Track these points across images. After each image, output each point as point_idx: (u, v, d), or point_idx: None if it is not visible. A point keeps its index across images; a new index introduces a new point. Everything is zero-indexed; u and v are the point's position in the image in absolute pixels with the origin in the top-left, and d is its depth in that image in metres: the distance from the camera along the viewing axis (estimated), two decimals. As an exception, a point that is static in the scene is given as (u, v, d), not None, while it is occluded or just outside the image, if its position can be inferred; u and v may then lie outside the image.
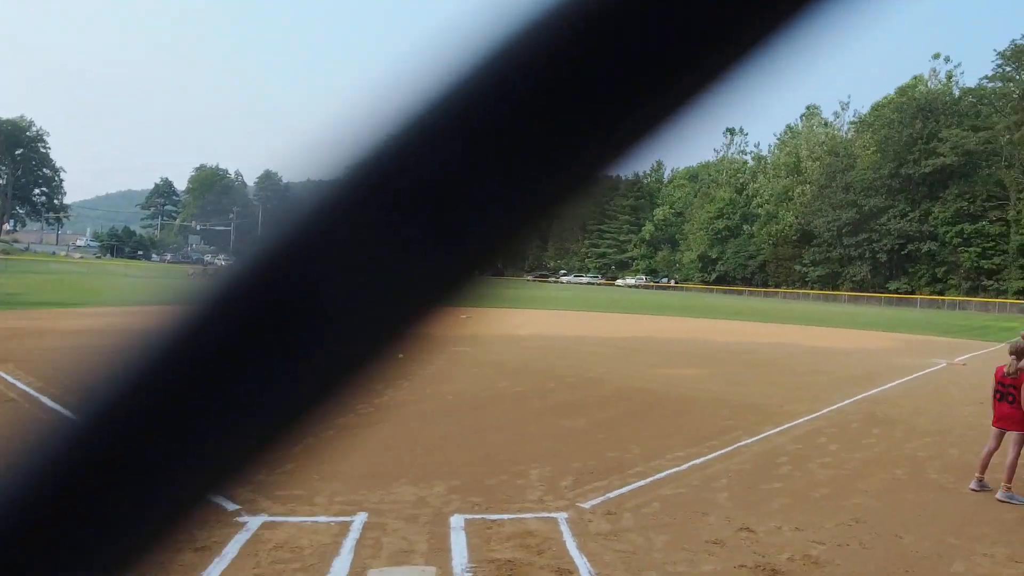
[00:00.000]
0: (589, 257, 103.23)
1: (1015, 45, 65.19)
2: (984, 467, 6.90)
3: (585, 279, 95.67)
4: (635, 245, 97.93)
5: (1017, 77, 66.67)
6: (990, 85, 69.56)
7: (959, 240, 65.70)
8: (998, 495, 6.73)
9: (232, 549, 4.72)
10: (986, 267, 64.79)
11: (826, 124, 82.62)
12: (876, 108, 75.49)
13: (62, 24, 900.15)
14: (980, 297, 62.38)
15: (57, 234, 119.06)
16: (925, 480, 7.32)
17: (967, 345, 24.88)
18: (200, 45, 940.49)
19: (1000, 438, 6.91)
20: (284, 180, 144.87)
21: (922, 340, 26.57)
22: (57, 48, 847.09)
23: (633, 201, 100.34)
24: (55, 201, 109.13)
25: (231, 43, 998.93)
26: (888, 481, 7.23)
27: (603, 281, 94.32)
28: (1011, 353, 7.00)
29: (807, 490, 6.77)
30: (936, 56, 74.51)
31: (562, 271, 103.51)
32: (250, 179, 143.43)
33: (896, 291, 68.93)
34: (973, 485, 6.84)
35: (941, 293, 66.45)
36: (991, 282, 64.64)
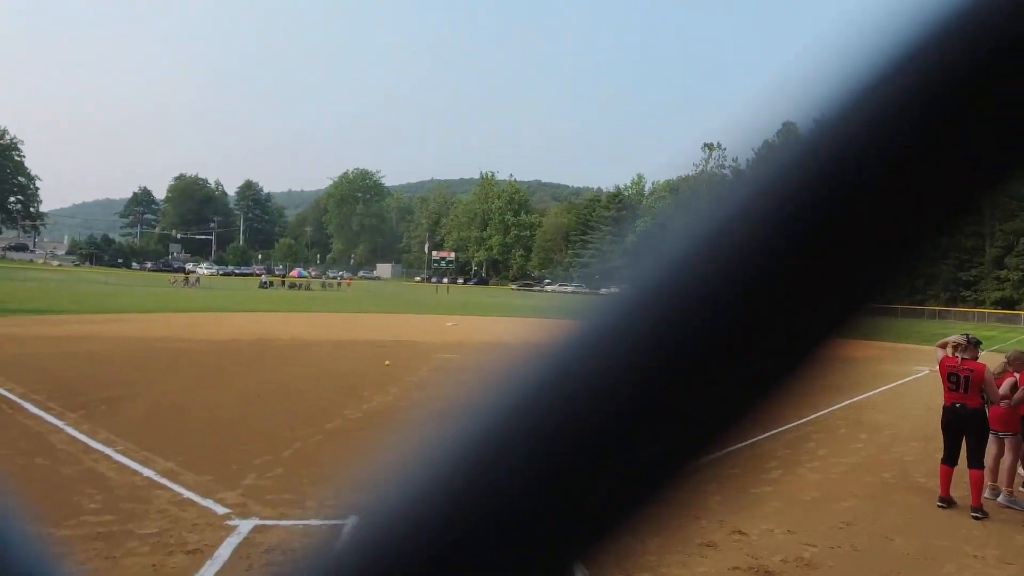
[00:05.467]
0: (573, 266, 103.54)
1: None
2: (995, 474, 6.94)
3: (570, 288, 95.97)
4: (619, 255, 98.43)
5: None
6: None
7: (939, 253, 67.24)
8: (999, 499, 6.80)
9: (224, 552, 4.67)
10: (964, 278, 66.02)
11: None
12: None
13: (46, 31, 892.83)
14: (959, 307, 63.38)
15: (34, 241, 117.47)
16: (913, 484, 7.38)
17: (947, 353, 25.11)
18: (180, 54, 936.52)
19: (999, 443, 6.97)
20: (265, 190, 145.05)
21: (903, 348, 26.84)
22: (35, 53, 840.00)
23: (615, 213, 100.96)
24: (31, 209, 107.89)
25: (213, 52, 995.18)
26: (877, 485, 7.28)
27: (588, 291, 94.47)
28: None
29: (798, 493, 6.80)
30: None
31: (546, 280, 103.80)
32: (230, 189, 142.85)
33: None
34: (988, 495, 6.80)
35: (921, 303, 67.36)
36: (969, 292, 65.83)
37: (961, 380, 6.65)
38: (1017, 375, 7.03)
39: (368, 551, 0.31)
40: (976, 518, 6.29)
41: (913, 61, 0.28)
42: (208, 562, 4.51)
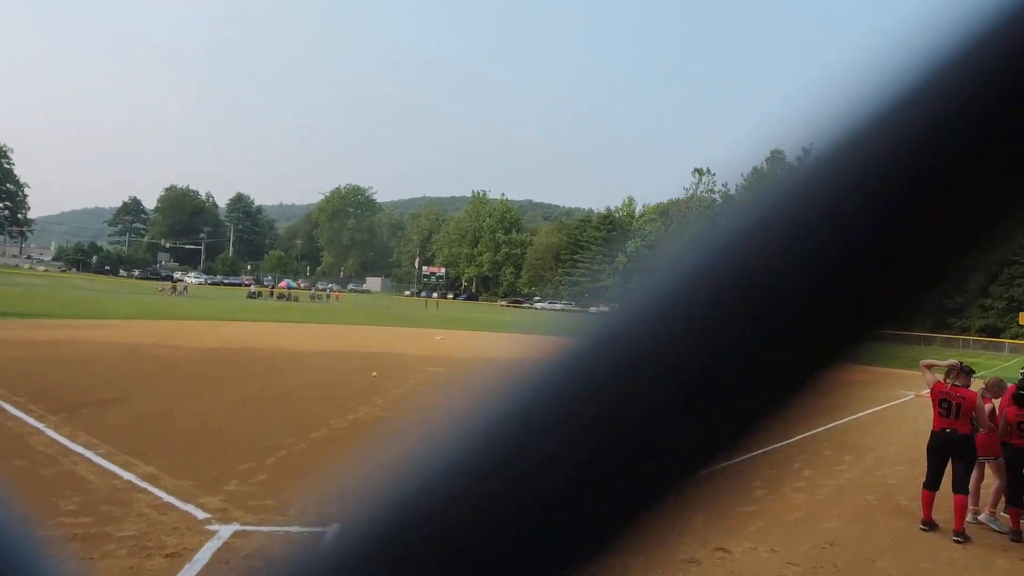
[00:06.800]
0: (563, 285, 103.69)
1: None
2: (977, 498, 7.04)
3: (559, 306, 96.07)
4: (608, 275, 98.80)
5: None
6: None
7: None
8: (980, 517, 6.88)
9: (203, 556, 4.62)
10: (949, 305, 66.41)
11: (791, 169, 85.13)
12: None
13: (35, 33, 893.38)
14: (944, 333, 63.93)
15: (20, 247, 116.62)
16: (896, 507, 7.40)
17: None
18: (173, 66, 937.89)
19: (980, 468, 7.07)
20: (256, 203, 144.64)
21: (889, 372, 27.03)
22: (27, 56, 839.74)
23: (605, 233, 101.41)
24: (19, 215, 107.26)
25: (207, 66, 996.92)
26: (861, 507, 7.29)
27: (576, 308, 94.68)
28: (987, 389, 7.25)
29: (782, 514, 6.79)
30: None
31: (536, 298, 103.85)
32: (221, 201, 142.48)
33: (908, 327, 71.08)
34: (970, 519, 6.84)
35: (906, 328, 67.91)
36: (954, 319, 66.46)
37: (953, 406, 6.70)
38: (995, 401, 7.12)
39: (351, 558, 0.31)
40: (958, 542, 6.31)
41: (906, 94, 0.28)
42: (187, 566, 4.46)
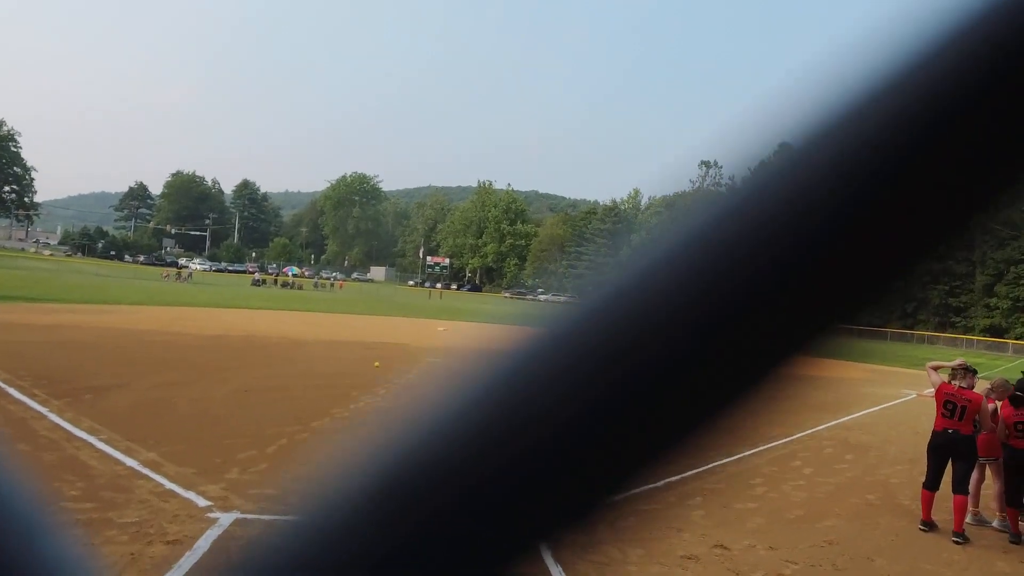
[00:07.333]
0: (567, 277, 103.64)
1: None
2: (977, 500, 7.03)
3: (563, 297, 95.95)
4: (612, 268, 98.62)
5: None
6: None
7: (927, 277, 67.77)
8: (993, 524, 6.89)
9: (203, 544, 4.65)
10: (954, 304, 66.46)
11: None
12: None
13: (41, 24, 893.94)
14: (948, 333, 63.72)
15: (27, 230, 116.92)
16: (897, 506, 7.40)
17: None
18: (182, 51, 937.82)
19: (981, 468, 7.06)
20: (262, 190, 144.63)
21: (892, 371, 26.98)
22: (33, 46, 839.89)
23: (611, 226, 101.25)
24: (25, 199, 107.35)
25: (215, 52, 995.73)
26: (861, 506, 7.29)
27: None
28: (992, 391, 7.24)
29: (781, 511, 6.80)
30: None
31: (539, 289, 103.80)
32: (227, 187, 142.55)
33: (867, 323, 70.44)
34: (969, 519, 6.85)
35: (911, 327, 67.68)
36: (959, 319, 66.26)
37: (958, 408, 6.69)
38: (999, 403, 7.10)
39: (320, 547, 0.31)
40: (957, 542, 6.32)
41: (906, 82, 0.28)
42: (187, 553, 4.48)
